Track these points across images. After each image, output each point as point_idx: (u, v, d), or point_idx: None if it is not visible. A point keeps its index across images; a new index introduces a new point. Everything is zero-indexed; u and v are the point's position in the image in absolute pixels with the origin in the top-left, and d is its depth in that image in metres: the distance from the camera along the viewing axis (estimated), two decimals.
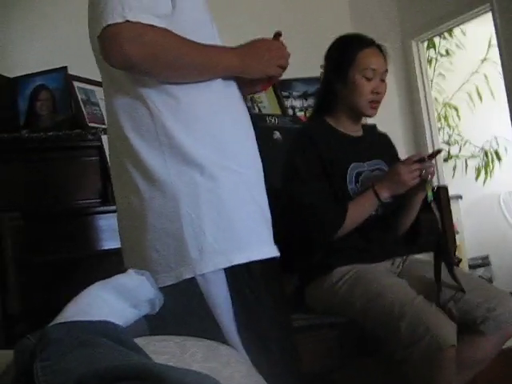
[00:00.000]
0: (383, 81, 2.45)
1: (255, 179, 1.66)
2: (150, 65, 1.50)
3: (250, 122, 1.72)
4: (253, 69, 1.66)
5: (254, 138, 1.71)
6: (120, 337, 1.18)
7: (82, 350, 1.07)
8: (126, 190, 1.60)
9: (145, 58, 1.48)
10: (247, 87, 1.77)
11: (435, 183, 4.91)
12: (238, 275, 1.55)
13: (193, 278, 1.53)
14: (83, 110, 2.98)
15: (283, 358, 1.62)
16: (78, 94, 3.01)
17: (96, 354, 1.06)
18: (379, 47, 2.46)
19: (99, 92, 3.16)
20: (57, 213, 2.33)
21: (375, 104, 2.43)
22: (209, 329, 1.53)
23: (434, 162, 2.38)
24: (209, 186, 1.54)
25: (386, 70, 2.46)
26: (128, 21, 1.44)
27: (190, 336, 1.39)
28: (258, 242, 1.61)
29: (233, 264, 1.54)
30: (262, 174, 1.70)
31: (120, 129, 1.58)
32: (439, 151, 2.40)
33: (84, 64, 3.28)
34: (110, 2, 1.45)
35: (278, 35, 1.73)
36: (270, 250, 1.64)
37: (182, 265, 1.52)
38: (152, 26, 1.47)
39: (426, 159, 2.31)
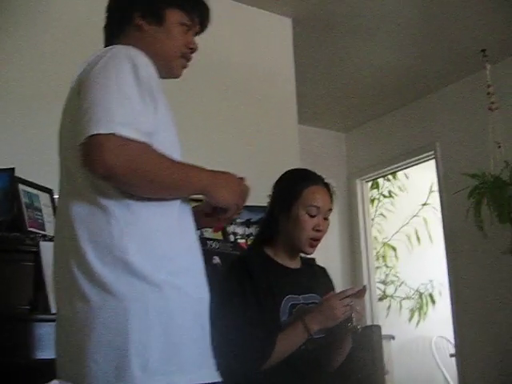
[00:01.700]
0: (326, 219, 2.48)
1: (204, 305, 1.66)
2: (129, 177, 1.52)
3: (201, 251, 1.73)
4: (220, 195, 1.69)
5: (203, 265, 1.72)
6: None
7: None
8: (71, 296, 1.56)
9: (126, 170, 1.50)
10: (202, 220, 1.81)
11: (369, 322, 4.93)
12: None
13: None
14: (25, 213, 2.95)
15: None
16: (21, 196, 2.99)
17: None
18: (326, 185, 2.50)
19: (43, 197, 3.14)
20: None
21: (315, 242, 2.44)
22: None
23: (363, 300, 2.38)
24: (160, 303, 1.53)
25: (331, 209, 2.50)
26: (113, 133, 1.48)
27: None
28: (201, 366, 1.58)
29: None
30: (208, 302, 1.69)
31: (74, 237, 1.57)
32: (362, 289, 2.40)
33: (30, 167, 3.30)
34: (98, 113, 1.49)
35: None
36: (212, 375, 1.61)
37: (121, 381, 1.47)
38: (135, 140, 1.50)
39: (358, 294, 2.31)
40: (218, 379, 1.62)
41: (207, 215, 1.83)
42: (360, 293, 2.32)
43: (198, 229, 1.80)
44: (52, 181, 3.28)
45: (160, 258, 1.57)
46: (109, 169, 1.48)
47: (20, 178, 3.05)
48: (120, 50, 1.63)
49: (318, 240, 2.46)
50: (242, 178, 1.79)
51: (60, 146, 1.72)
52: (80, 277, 1.54)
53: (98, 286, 1.52)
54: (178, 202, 1.66)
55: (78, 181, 1.61)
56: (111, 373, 1.47)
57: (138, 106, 1.55)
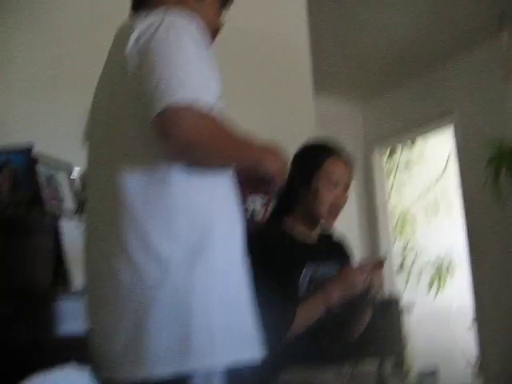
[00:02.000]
0: (346, 191, 2.48)
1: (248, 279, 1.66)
2: (205, 151, 1.49)
3: None
4: (271, 167, 1.65)
5: None
6: None
7: None
8: (122, 271, 1.50)
9: (204, 143, 1.46)
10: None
11: (387, 292, 4.94)
12: (235, 376, 1.49)
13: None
14: (43, 191, 2.97)
15: None
16: (39, 175, 3.00)
17: None
18: (347, 158, 2.48)
19: (61, 174, 3.15)
20: (7, 295, 2.26)
21: (334, 215, 2.44)
22: None
23: (382, 270, 2.38)
24: (221, 278, 1.52)
25: (350, 182, 2.49)
26: (191, 105, 1.44)
27: None
28: (258, 341, 1.60)
29: (239, 360, 1.49)
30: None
31: (124, 209, 1.51)
32: (382, 261, 2.39)
33: (48, 144, 3.31)
34: (172, 84, 1.44)
35: None
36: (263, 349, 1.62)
37: (186, 356, 1.43)
38: (209, 111, 1.47)
39: (377, 266, 2.31)
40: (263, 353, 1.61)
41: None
42: (379, 264, 2.32)
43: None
44: (70, 156, 3.32)
45: (217, 233, 1.54)
46: (188, 143, 1.44)
47: (37, 156, 3.07)
48: (176, 17, 1.56)
49: (337, 214, 2.46)
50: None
51: (95, 114, 1.69)
52: (135, 252, 1.48)
53: (157, 261, 1.47)
54: (229, 173, 1.65)
55: (132, 152, 1.54)
56: (176, 349, 1.44)
57: (207, 73, 1.53)
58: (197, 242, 1.50)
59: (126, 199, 1.51)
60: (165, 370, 1.42)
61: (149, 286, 1.46)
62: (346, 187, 2.47)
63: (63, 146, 3.45)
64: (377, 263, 2.32)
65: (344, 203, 2.46)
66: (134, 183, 1.52)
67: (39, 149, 3.07)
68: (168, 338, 1.43)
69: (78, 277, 2.39)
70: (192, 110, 1.43)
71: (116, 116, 1.59)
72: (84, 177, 1.70)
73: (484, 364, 4.65)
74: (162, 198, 1.51)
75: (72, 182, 3.20)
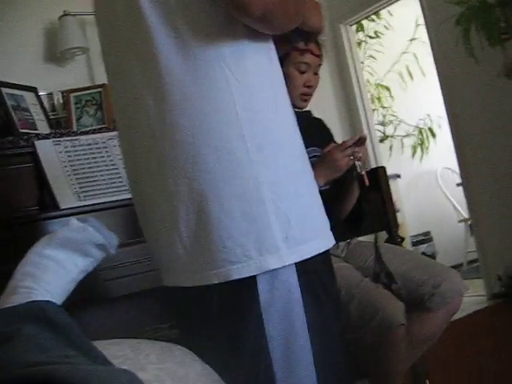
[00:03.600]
0: (316, 74, 2.46)
1: None
2: (278, 13, 1.36)
3: None
4: (314, 20, 1.57)
5: None
6: (51, 318, 1.14)
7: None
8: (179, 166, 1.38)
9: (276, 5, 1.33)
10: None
11: (372, 164, 4.98)
12: (310, 269, 1.41)
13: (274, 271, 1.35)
14: (13, 116, 2.92)
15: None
16: (7, 100, 2.94)
17: (10, 352, 1.03)
18: (315, 40, 2.45)
19: (29, 97, 3.09)
20: None
21: (306, 97, 2.45)
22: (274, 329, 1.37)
23: (364, 147, 2.38)
24: (291, 168, 1.43)
25: (320, 64, 2.47)
26: None
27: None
28: (327, 230, 1.50)
29: (315, 254, 1.40)
30: None
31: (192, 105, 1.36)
32: (362, 138, 2.38)
33: (9, 69, 3.24)
34: None
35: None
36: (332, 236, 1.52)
37: (264, 254, 1.34)
38: None
39: (358, 143, 2.32)
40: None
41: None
42: (360, 141, 2.32)
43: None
44: (34, 79, 3.26)
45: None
46: (265, 8, 1.32)
47: (1, 82, 3.00)
48: None
49: (309, 95, 2.46)
50: None
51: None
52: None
53: (222, 155, 1.35)
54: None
55: (204, 52, 1.38)
56: (251, 246, 1.35)
57: None
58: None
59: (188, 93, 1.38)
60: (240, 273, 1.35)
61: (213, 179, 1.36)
62: (317, 69, 2.46)
63: (24, 71, 3.39)
64: (358, 140, 2.32)
65: (315, 85, 2.46)
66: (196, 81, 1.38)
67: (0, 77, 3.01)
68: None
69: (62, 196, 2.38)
70: None
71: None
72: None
73: (476, 219, 4.74)
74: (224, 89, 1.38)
75: (40, 103, 3.15)
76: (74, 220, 1.38)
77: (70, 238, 1.34)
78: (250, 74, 1.42)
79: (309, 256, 1.38)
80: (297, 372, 1.39)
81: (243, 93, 1.39)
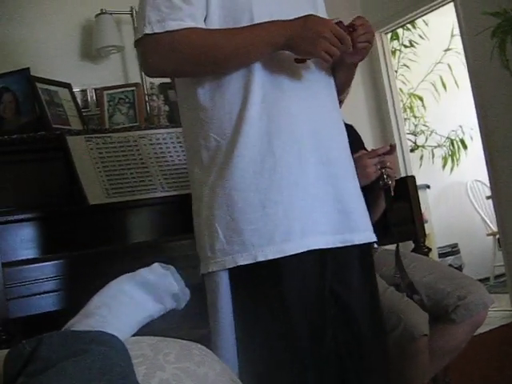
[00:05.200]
0: None
1: None
2: (179, 67, 1.58)
3: None
4: (302, 48, 1.55)
5: None
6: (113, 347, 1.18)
7: (66, 365, 1.07)
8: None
9: (170, 63, 1.56)
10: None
11: (402, 173, 4.95)
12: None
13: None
14: (47, 111, 2.95)
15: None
16: (41, 95, 2.98)
17: (76, 371, 1.06)
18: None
19: (63, 93, 3.12)
20: (24, 218, 2.27)
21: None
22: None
23: (394, 156, 2.37)
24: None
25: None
26: (147, 34, 1.52)
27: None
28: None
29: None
30: None
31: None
32: (392, 147, 2.37)
33: (44, 65, 3.28)
34: (138, 19, 1.59)
35: (347, 25, 1.62)
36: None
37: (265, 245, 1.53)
38: (172, 31, 1.51)
39: (389, 152, 2.30)
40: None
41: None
42: (390, 150, 2.31)
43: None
44: (69, 76, 3.29)
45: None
46: (154, 70, 1.63)
47: (37, 77, 3.04)
48: None
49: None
50: (325, 20, 1.60)
51: None
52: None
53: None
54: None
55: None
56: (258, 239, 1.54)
57: None
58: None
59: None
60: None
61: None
62: None
63: (59, 67, 3.42)
64: (389, 149, 2.31)
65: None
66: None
67: (35, 73, 3.04)
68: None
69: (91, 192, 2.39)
70: (148, 38, 1.53)
71: None
72: None
73: (505, 233, 4.69)
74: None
75: (73, 99, 3.18)
76: (156, 264, 1.42)
77: (150, 280, 1.38)
78: None
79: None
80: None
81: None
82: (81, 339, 1.15)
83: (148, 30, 1.51)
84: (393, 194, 2.32)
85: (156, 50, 1.54)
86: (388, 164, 2.28)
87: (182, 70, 1.59)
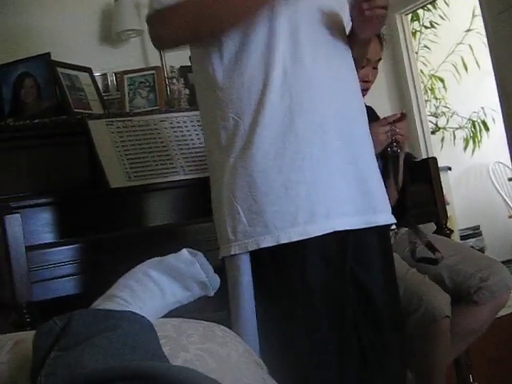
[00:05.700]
0: (375, 68, 2.43)
1: None
2: (185, 34, 1.61)
3: None
4: None
5: None
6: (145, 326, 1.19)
7: (98, 340, 1.08)
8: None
9: (178, 31, 1.60)
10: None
11: (423, 155, 4.92)
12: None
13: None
14: (68, 96, 2.96)
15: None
16: (62, 80, 2.99)
17: (109, 345, 1.07)
18: (378, 34, 2.41)
19: (83, 77, 3.13)
20: (46, 202, 2.28)
21: (364, 92, 2.40)
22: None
23: (405, 124, 2.33)
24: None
25: (380, 59, 2.44)
26: (156, 9, 1.58)
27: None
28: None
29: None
30: None
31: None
32: (403, 114, 2.34)
33: (65, 50, 3.28)
34: None
35: None
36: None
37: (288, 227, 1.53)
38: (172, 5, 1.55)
39: (400, 119, 2.27)
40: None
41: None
42: (401, 117, 2.29)
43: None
44: (89, 60, 3.30)
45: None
46: (160, 42, 1.70)
47: (57, 62, 3.05)
48: None
49: (366, 90, 2.42)
50: None
51: None
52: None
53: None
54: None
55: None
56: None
57: None
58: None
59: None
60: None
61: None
62: (376, 64, 2.43)
63: (79, 52, 3.43)
64: (399, 115, 2.28)
65: (373, 80, 2.43)
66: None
67: (56, 57, 3.05)
68: None
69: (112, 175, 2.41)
70: (156, 14, 1.58)
71: None
72: None
73: None
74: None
75: (94, 84, 3.19)
76: (184, 251, 1.40)
77: (176, 267, 1.36)
78: None
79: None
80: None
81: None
82: (111, 317, 1.16)
83: (157, 5, 1.57)
84: (401, 162, 2.30)
85: (169, 20, 1.58)
86: (398, 131, 2.25)
87: (196, 29, 1.59)
